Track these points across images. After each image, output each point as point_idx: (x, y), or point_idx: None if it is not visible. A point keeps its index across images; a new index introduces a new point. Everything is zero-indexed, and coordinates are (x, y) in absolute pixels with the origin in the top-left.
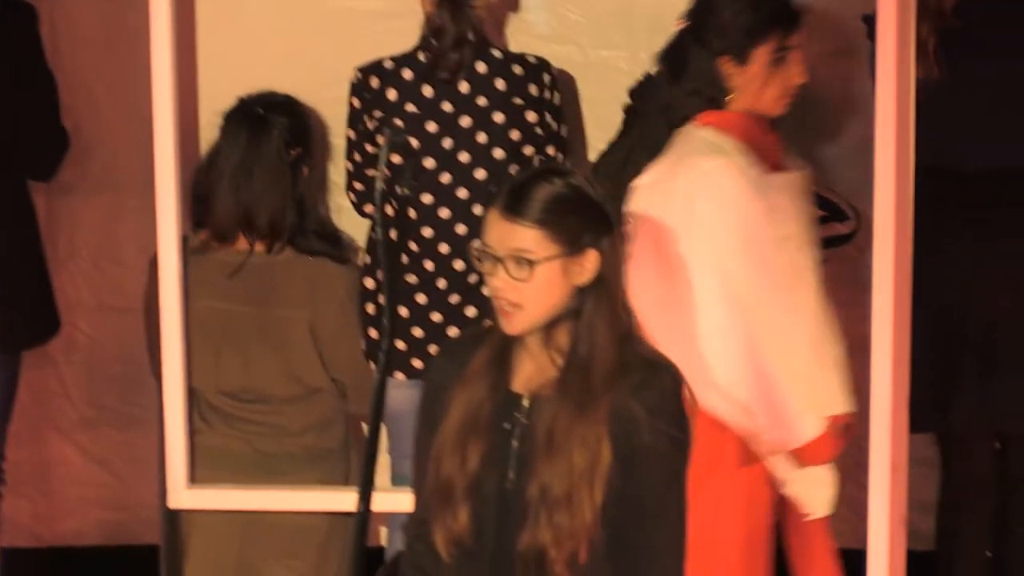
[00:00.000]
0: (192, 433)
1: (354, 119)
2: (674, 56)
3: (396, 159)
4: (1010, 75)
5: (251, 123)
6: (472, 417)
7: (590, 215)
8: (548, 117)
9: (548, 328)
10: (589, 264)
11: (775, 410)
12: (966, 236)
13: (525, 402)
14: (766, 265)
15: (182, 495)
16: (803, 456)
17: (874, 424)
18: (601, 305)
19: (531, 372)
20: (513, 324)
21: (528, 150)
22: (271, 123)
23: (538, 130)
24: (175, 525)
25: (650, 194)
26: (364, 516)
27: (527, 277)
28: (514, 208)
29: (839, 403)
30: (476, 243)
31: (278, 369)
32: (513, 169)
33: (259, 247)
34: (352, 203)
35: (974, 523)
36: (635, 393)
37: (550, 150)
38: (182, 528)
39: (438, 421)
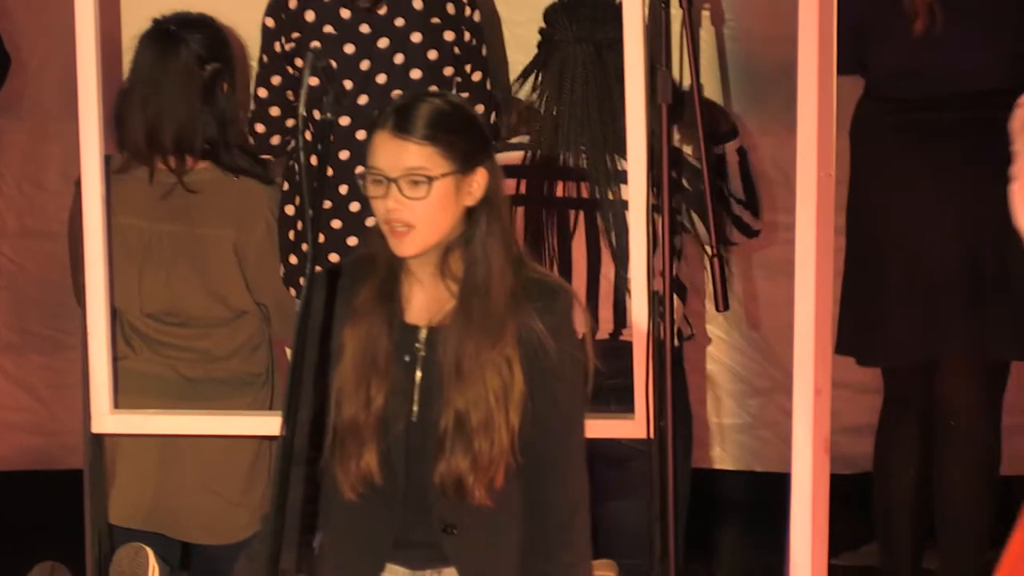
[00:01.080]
0: (117, 358)
1: (268, 41)
2: None
3: (314, 82)
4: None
5: (162, 40)
6: (370, 354)
7: (474, 133)
8: (467, 35)
9: (441, 257)
10: (478, 183)
11: None
12: (925, 164)
13: (423, 333)
14: None
15: (106, 420)
16: None
17: (797, 349)
18: (492, 226)
19: (424, 303)
20: (406, 245)
21: (447, 70)
22: (182, 39)
23: (456, 49)
24: (99, 450)
25: None
26: (288, 441)
27: (424, 195)
28: (404, 127)
29: None
30: (361, 168)
31: (201, 289)
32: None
33: (173, 164)
34: (258, 135)
35: (904, 447)
36: (538, 316)
37: (467, 68)
38: (106, 453)
39: (333, 359)
